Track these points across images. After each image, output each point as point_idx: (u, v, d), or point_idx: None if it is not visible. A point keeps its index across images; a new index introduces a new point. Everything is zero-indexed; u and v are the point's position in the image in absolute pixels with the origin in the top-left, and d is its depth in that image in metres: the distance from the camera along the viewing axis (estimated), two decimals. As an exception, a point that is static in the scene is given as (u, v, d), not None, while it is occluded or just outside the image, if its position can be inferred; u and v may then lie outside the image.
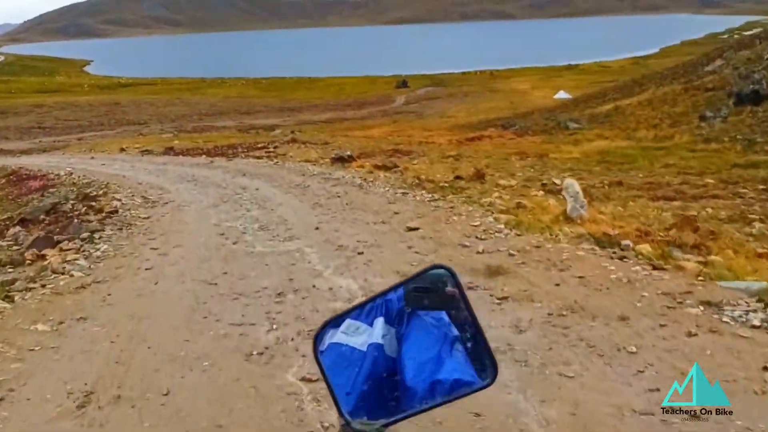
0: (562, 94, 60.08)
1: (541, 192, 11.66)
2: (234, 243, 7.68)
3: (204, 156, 18.00)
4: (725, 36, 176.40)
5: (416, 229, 7.81)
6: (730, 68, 23.74)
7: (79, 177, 14.62)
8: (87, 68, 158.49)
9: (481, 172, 12.45)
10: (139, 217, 9.51)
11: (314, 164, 14.65)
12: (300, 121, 44.23)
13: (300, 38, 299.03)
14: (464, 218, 8.33)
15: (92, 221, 9.23)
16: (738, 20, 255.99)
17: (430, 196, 10.04)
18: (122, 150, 22.54)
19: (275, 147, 19.08)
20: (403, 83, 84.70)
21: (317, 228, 8.16)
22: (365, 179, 11.91)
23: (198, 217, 9.50)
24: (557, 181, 12.39)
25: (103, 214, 9.70)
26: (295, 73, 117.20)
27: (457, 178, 11.96)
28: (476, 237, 7.31)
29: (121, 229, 8.75)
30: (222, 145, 20.54)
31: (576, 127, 24.17)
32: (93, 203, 10.83)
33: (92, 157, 20.80)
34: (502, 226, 7.76)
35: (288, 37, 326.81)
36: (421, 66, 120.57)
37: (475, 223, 7.93)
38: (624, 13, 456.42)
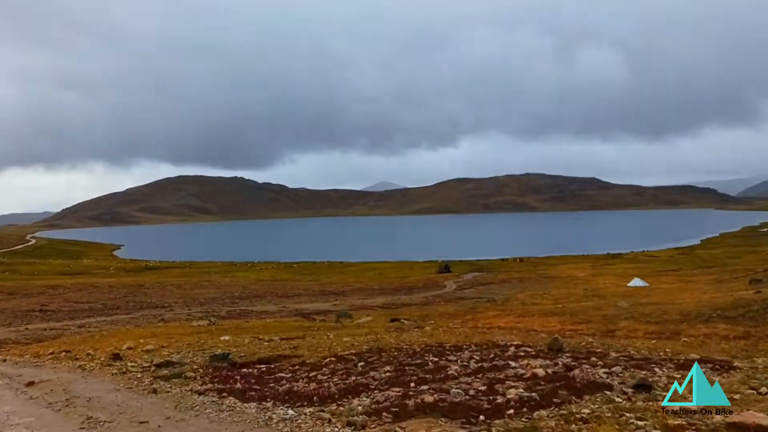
0: (637, 282, 53.97)
1: None
2: None
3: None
4: (764, 230, 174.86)
5: None
6: None
7: None
8: (116, 252, 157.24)
9: None
10: None
11: None
12: (352, 306, 37.36)
13: (327, 226, 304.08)
14: None
15: None
16: (764, 215, 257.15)
17: None
18: (116, 356, 13.18)
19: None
20: (445, 268, 79.42)
21: None
22: None
23: None
24: None
25: None
26: (325, 257, 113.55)
27: None
28: None
29: None
30: (361, 353, 9.99)
31: None
32: None
33: (29, 383, 10.90)
34: None
35: (315, 224, 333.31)
36: (453, 252, 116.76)
37: None
38: (645, 208, 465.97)
